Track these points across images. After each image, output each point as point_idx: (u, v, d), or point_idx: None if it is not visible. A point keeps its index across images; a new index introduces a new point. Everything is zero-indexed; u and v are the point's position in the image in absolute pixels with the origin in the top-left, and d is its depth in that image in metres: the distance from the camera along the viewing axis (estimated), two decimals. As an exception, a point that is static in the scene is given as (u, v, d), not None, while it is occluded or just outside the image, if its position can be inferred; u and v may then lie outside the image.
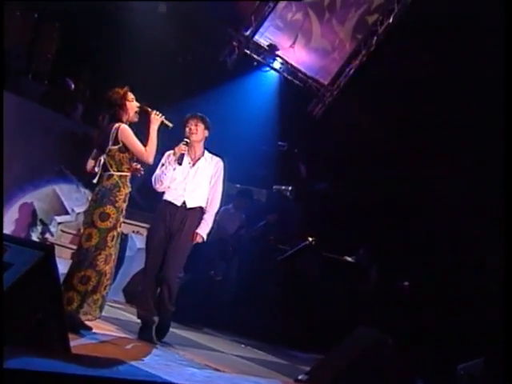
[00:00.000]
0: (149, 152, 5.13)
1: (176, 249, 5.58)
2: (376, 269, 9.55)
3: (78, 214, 8.53)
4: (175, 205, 5.65)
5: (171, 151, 5.66)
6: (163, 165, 5.64)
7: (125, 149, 5.07)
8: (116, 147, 5.06)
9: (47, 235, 8.47)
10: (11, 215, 8.07)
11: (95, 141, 5.29)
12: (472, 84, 9.72)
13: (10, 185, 7.60)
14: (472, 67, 9.66)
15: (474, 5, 9.41)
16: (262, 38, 10.82)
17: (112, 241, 5.03)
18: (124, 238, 7.31)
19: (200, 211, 5.70)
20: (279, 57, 11.18)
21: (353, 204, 10.44)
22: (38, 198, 8.43)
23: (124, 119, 5.15)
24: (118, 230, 5.10)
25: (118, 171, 5.09)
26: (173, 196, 5.67)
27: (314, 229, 9.69)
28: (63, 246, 7.97)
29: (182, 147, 5.61)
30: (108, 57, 9.55)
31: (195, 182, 5.70)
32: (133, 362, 4.36)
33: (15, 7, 8.81)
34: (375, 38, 11.46)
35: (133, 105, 5.20)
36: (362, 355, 5.34)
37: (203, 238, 5.68)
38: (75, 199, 8.74)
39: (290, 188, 10.99)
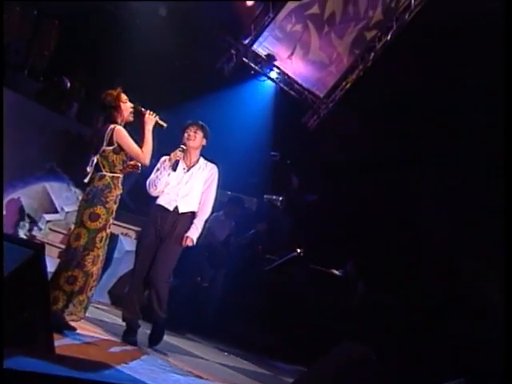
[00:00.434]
0: (145, 153, 5.13)
1: (166, 252, 5.56)
2: (363, 283, 9.55)
3: (68, 212, 8.49)
4: (167, 209, 5.65)
5: (167, 157, 5.66)
6: (158, 169, 5.63)
7: (119, 150, 5.06)
8: (110, 148, 5.05)
9: (34, 232, 8.42)
10: (-1, 211, 8.01)
11: (89, 141, 5.27)
12: (468, 99, 9.77)
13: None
14: (469, 83, 9.71)
15: (471, 25, 9.47)
16: (261, 48, 10.84)
17: (101, 242, 5.01)
18: (113, 239, 7.27)
19: (192, 216, 5.69)
20: (276, 67, 11.19)
21: (342, 217, 10.44)
22: (27, 194, 8.38)
23: (119, 120, 5.14)
24: (108, 231, 5.08)
25: (111, 172, 5.08)
26: (165, 200, 5.67)
27: (303, 240, 9.69)
28: (51, 245, 7.91)
29: (177, 153, 5.61)
30: (105, 57, 9.52)
31: (188, 187, 5.70)
32: (117, 366, 4.33)
33: (15, 2, 8.79)
34: (373, 53, 11.51)
35: (127, 106, 5.20)
36: (345, 369, 5.32)
37: (193, 242, 5.65)
38: (65, 198, 8.70)
39: (280, 198, 10.98)
